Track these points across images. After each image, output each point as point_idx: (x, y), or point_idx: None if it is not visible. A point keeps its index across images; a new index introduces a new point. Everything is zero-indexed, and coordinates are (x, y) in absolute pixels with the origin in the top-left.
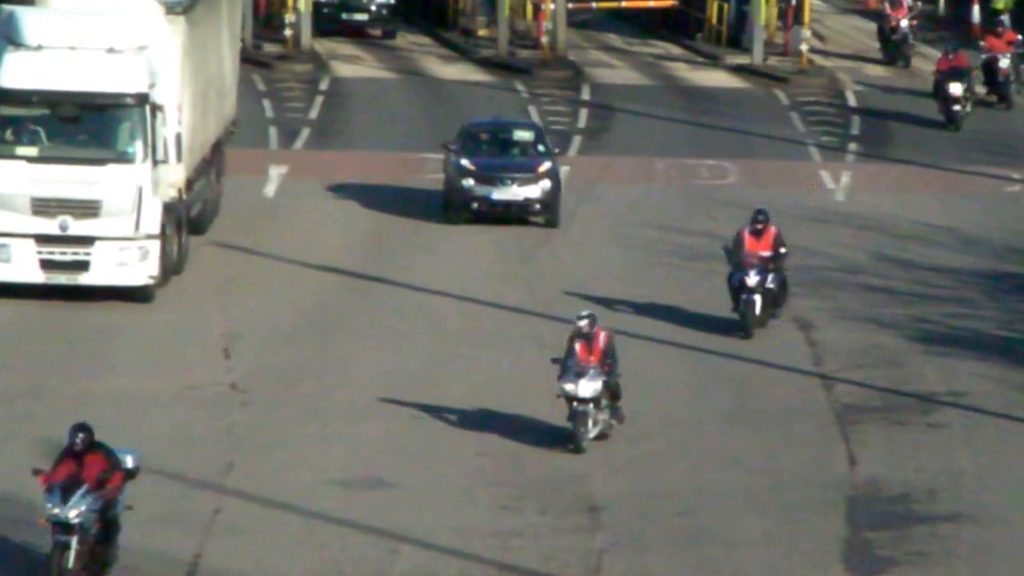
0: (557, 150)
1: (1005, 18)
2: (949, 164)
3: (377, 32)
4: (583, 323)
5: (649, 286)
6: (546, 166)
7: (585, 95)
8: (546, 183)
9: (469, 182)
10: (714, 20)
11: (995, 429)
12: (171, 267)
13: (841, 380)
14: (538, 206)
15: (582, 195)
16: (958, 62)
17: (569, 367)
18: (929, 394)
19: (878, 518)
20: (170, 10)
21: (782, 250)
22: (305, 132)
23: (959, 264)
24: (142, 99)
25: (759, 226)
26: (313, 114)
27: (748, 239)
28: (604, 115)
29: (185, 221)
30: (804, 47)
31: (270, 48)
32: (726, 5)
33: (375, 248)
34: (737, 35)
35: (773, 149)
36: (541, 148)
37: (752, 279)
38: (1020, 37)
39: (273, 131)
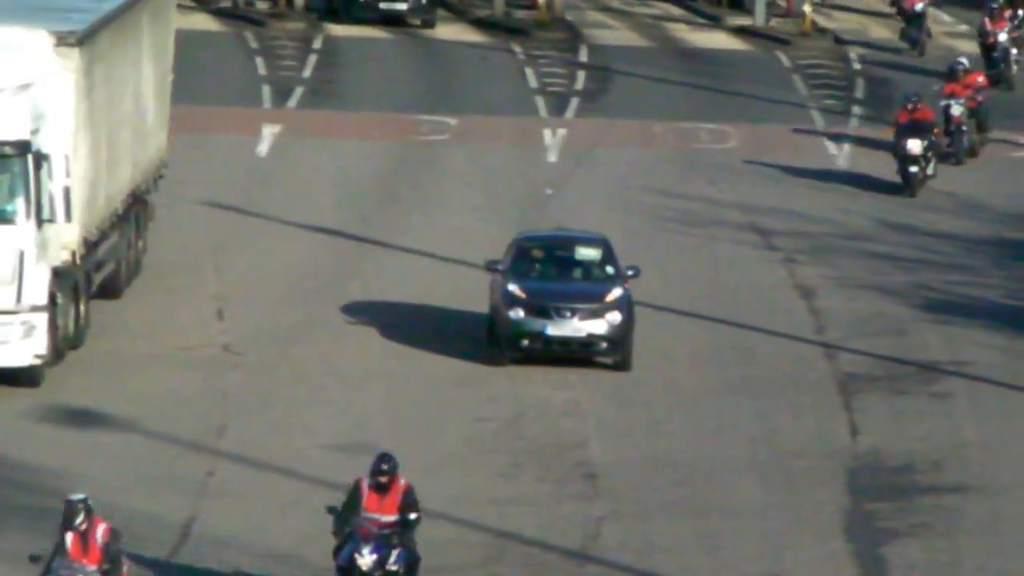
0: (631, 272)
1: (964, 59)
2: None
3: (416, 21)
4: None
5: (647, 252)
6: (615, 294)
7: (583, 57)
8: (615, 316)
9: (518, 313)
10: None
11: (1000, 399)
12: (66, 342)
13: (844, 349)
14: (604, 344)
15: (580, 159)
16: (920, 115)
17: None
18: (933, 363)
19: (880, 489)
20: (62, 41)
21: (411, 516)
22: (299, 91)
23: (964, 230)
24: (22, 147)
25: (383, 479)
26: (307, 73)
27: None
28: (602, 77)
29: (84, 287)
30: (807, 8)
31: (262, 5)
32: None
33: (368, 209)
34: None
35: (774, 113)
36: (609, 269)
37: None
38: (981, 79)
39: (266, 89)
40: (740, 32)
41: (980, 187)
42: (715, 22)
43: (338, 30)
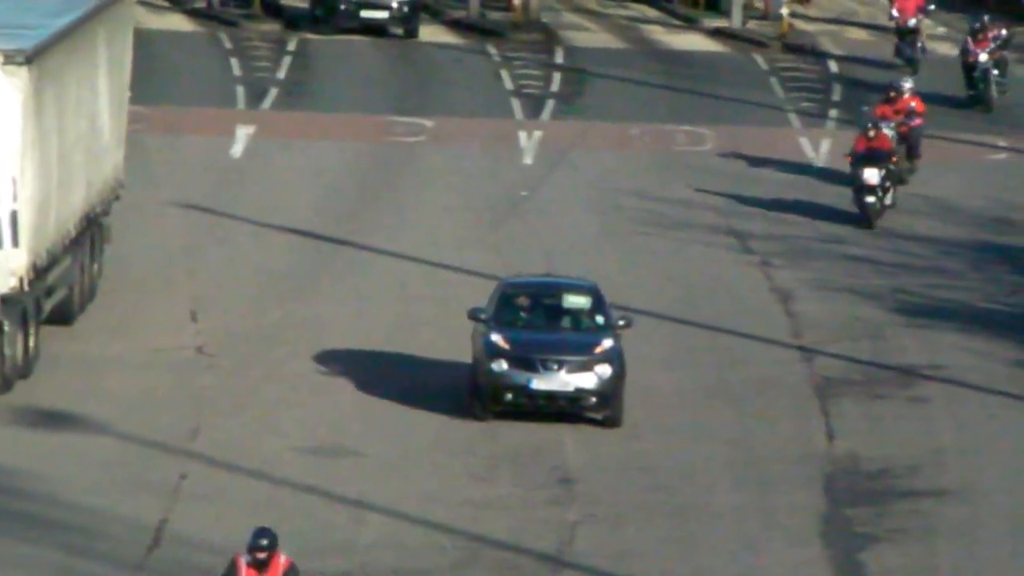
0: (623, 321)
1: (908, 81)
2: (932, 131)
3: (399, 30)
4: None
5: (623, 254)
6: (606, 345)
7: (559, 58)
8: (605, 369)
9: (501, 365)
10: None
11: (977, 403)
12: (13, 372)
13: (821, 352)
14: (593, 399)
15: (555, 161)
16: (879, 143)
17: None
18: (910, 367)
19: (857, 493)
20: (9, 59)
21: None
22: (273, 92)
23: (941, 234)
24: None
25: (261, 555)
26: (281, 74)
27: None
28: (578, 79)
29: (33, 315)
30: (785, 10)
31: (237, 6)
32: None
33: (343, 210)
34: None
35: (752, 115)
36: (599, 319)
37: None
38: (913, 105)
39: (240, 90)
40: (717, 34)
41: (957, 190)
42: (691, 24)
43: (311, 31)
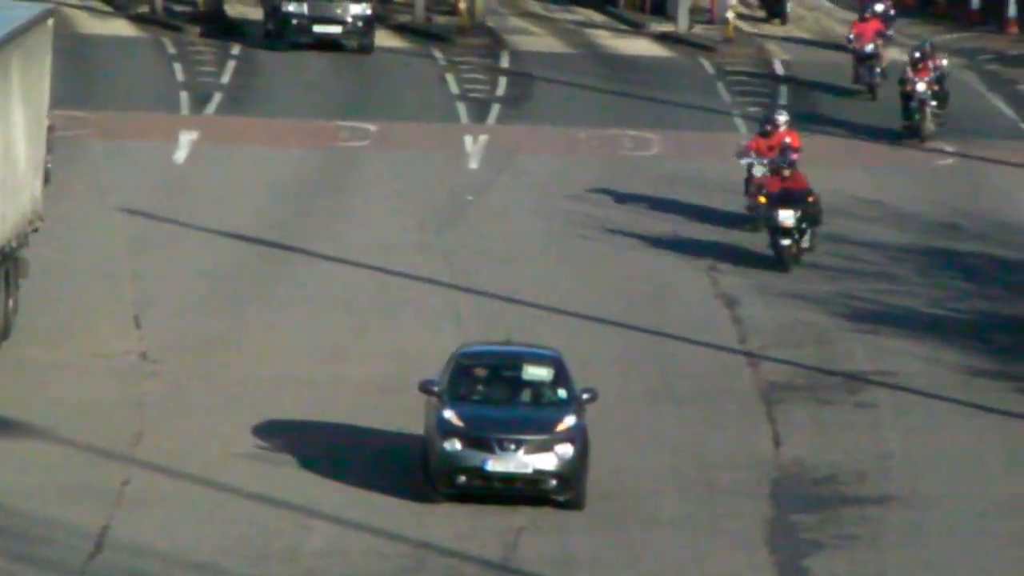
0: (587, 395)
1: (783, 115)
2: (879, 136)
3: (353, 44)
4: None
5: (570, 259)
6: (568, 422)
7: (504, 63)
8: (566, 449)
9: (454, 445)
10: None
11: (924, 409)
12: None
13: (767, 358)
14: (554, 482)
15: (501, 166)
16: (794, 183)
17: None
18: (857, 373)
19: (804, 500)
20: None
21: None
22: (217, 97)
23: (888, 239)
24: None
25: None
26: (225, 79)
27: None
28: (524, 83)
29: None
30: (730, 15)
31: (182, 10)
32: None
33: (288, 215)
34: (662, 2)
35: (698, 120)
36: (562, 393)
37: None
38: (787, 140)
39: (184, 96)
40: (663, 38)
41: (905, 195)
42: (637, 28)
43: (255, 32)
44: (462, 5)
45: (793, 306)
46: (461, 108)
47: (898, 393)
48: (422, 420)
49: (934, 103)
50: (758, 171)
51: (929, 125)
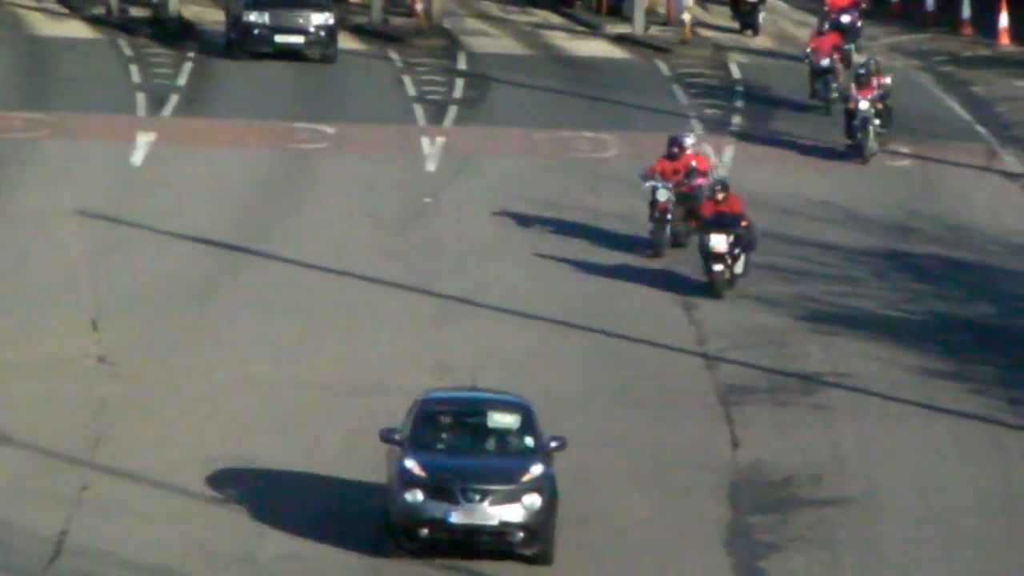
0: (556, 443)
1: (690, 137)
2: (835, 137)
3: (316, 55)
4: None
5: (527, 261)
6: (535, 471)
7: (461, 64)
8: (533, 500)
9: (416, 496)
10: None
11: (880, 411)
12: None
13: (725, 360)
14: (520, 534)
15: (458, 167)
16: (728, 206)
17: None
18: (814, 374)
19: (761, 501)
20: None
21: None
22: (174, 99)
23: (845, 241)
24: None
25: None
26: (182, 81)
27: None
28: (481, 85)
29: None
30: (687, 17)
31: (137, 12)
32: None
33: (245, 218)
34: (618, 4)
35: (655, 122)
36: (529, 441)
37: None
38: (694, 163)
39: (140, 97)
40: (619, 40)
41: (861, 197)
42: (594, 30)
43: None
44: (419, 7)
45: (750, 308)
46: (418, 110)
47: (854, 394)
48: (379, 420)
49: (877, 121)
50: (662, 195)
51: (872, 144)
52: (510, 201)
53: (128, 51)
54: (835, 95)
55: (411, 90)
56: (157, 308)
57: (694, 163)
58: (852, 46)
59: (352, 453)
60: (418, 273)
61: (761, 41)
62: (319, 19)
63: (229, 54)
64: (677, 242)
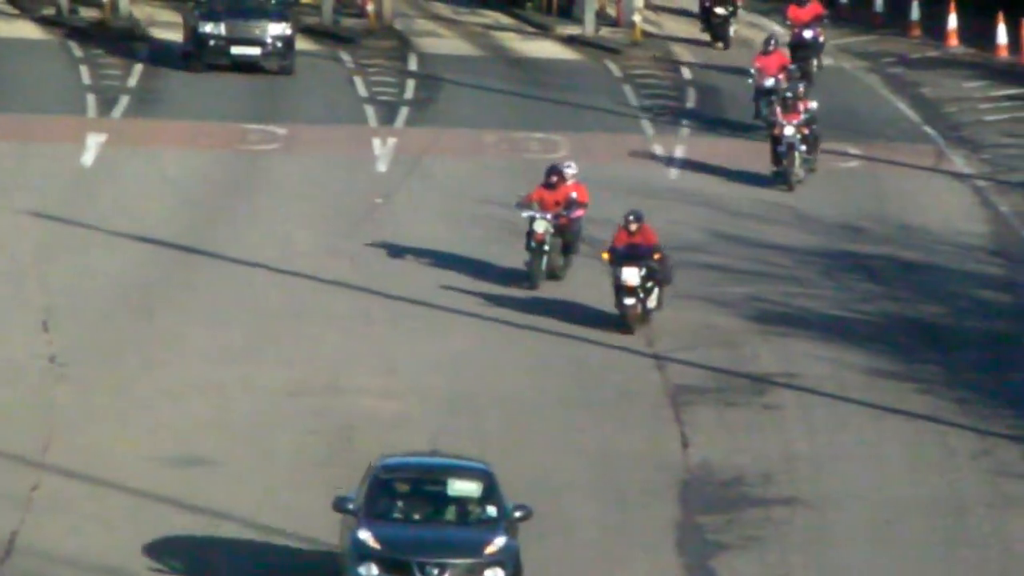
0: (520, 512)
1: (571, 167)
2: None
3: (273, 67)
4: None
5: (478, 261)
6: (498, 543)
7: (412, 65)
8: (496, 574)
9: (371, 570)
10: None
11: (830, 411)
12: None
13: (675, 360)
14: None
15: (410, 168)
16: (641, 237)
17: None
18: (764, 375)
19: (711, 502)
20: None
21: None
22: (124, 100)
23: (795, 242)
24: None
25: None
26: (132, 82)
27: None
28: (432, 86)
29: None
30: (637, 18)
31: (87, 13)
32: None
33: (196, 219)
34: (568, 5)
35: (605, 123)
36: (492, 510)
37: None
38: (574, 194)
39: (91, 98)
40: (570, 41)
41: (810, 199)
42: (545, 31)
43: (164, 37)
44: (370, 7)
45: (701, 309)
46: (369, 111)
47: (804, 395)
48: (330, 421)
49: (803, 147)
50: (539, 226)
51: (798, 171)
52: (461, 201)
53: (78, 52)
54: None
55: (362, 91)
56: (107, 309)
57: (574, 194)
58: (815, 60)
59: (302, 456)
60: (369, 274)
61: (675, 25)
62: (276, 30)
63: (185, 66)
64: (553, 275)
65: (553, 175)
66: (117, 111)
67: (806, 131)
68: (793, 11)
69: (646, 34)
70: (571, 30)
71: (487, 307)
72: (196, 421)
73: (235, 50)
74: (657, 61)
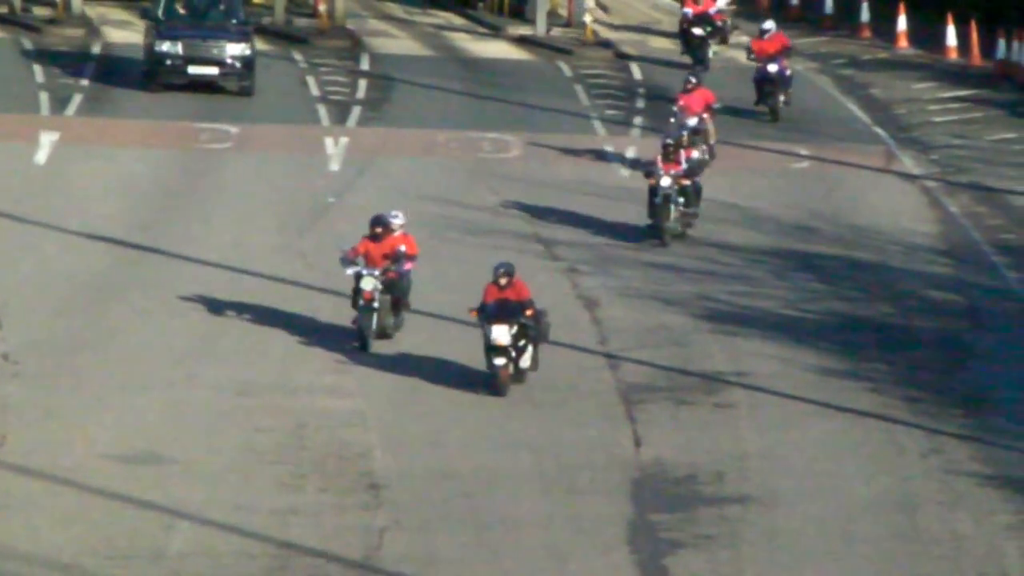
0: None
1: (398, 217)
2: (736, 139)
3: (233, 87)
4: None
5: (430, 261)
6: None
7: (364, 65)
8: None
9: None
10: None
11: (780, 409)
12: None
13: (626, 359)
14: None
15: (362, 168)
16: (514, 292)
17: None
18: (715, 374)
19: (664, 500)
20: None
21: None
22: (77, 98)
23: (745, 242)
24: None
25: None
26: (85, 80)
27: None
28: (384, 86)
29: None
30: (588, 19)
31: (40, 11)
32: None
33: (149, 217)
34: (520, 6)
35: (557, 123)
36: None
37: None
38: (402, 247)
39: (44, 96)
40: (522, 42)
41: (761, 198)
42: (496, 32)
43: (116, 36)
44: (322, 7)
45: (652, 308)
46: (322, 110)
47: (755, 393)
48: (280, 419)
49: (682, 200)
50: (367, 283)
51: (673, 226)
52: (413, 201)
53: (31, 49)
54: (708, 158)
55: (315, 90)
56: (61, 307)
57: (402, 247)
58: (782, 97)
59: (252, 452)
60: (321, 272)
61: (662, 43)
62: (236, 50)
63: (142, 85)
64: (384, 334)
65: (378, 226)
66: (70, 109)
67: (686, 183)
68: (757, 44)
69: (596, 34)
70: (523, 30)
71: (438, 304)
72: (148, 418)
73: (192, 69)
74: (608, 61)
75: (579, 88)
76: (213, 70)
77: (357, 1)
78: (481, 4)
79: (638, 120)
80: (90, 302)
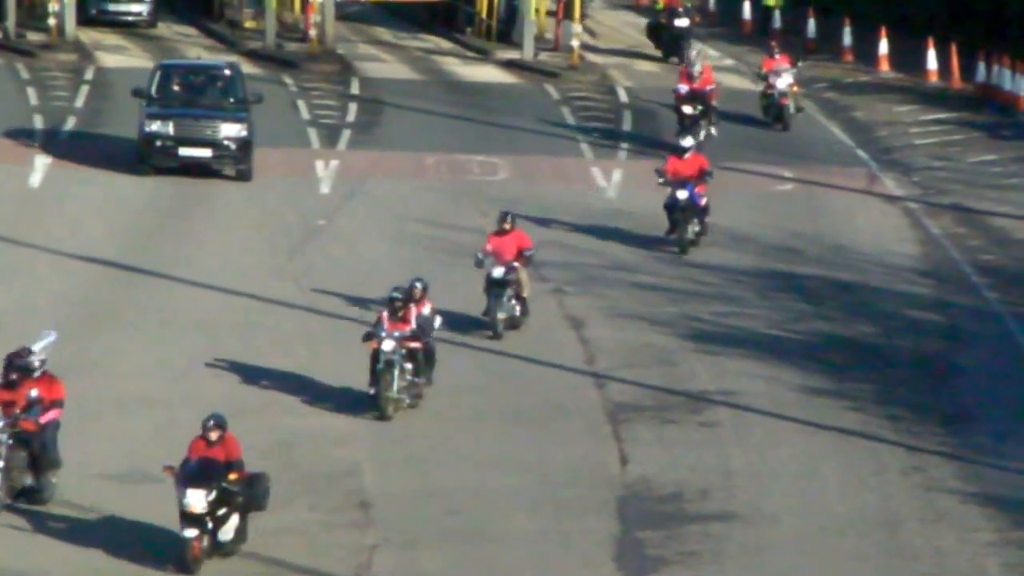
0: None
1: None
2: (720, 161)
3: (230, 172)
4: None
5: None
6: None
7: (354, 89)
8: None
9: None
10: (484, 14)
11: (765, 428)
12: None
13: (613, 379)
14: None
15: (352, 190)
16: (222, 450)
17: None
18: (700, 393)
19: (649, 517)
20: None
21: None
22: (71, 121)
23: (730, 262)
24: None
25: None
26: (79, 103)
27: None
28: (374, 109)
29: None
30: (575, 42)
31: (34, 36)
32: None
33: (142, 240)
34: (508, 30)
35: (544, 145)
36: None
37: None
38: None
39: (38, 120)
40: (509, 65)
41: (745, 219)
42: (484, 56)
43: (109, 61)
44: (312, 32)
45: (638, 328)
46: (312, 133)
47: (740, 412)
48: (270, 438)
49: (409, 366)
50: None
51: (397, 395)
52: (402, 223)
53: (25, 74)
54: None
55: (305, 114)
56: (55, 328)
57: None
58: (699, 228)
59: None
60: (312, 294)
61: (648, 66)
62: (230, 130)
63: (134, 169)
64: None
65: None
66: (64, 133)
67: (414, 345)
68: (672, 163)
69: (583, 58)
70: (510, 54)
71: None
72: (140, 439)
73: (184, 151)
74: (594, 84)
75: (566, 111)
76: (206, 152)
77: (347, 26)
78: (469, 29)
79: (625, 143)
80: (83, 323)
